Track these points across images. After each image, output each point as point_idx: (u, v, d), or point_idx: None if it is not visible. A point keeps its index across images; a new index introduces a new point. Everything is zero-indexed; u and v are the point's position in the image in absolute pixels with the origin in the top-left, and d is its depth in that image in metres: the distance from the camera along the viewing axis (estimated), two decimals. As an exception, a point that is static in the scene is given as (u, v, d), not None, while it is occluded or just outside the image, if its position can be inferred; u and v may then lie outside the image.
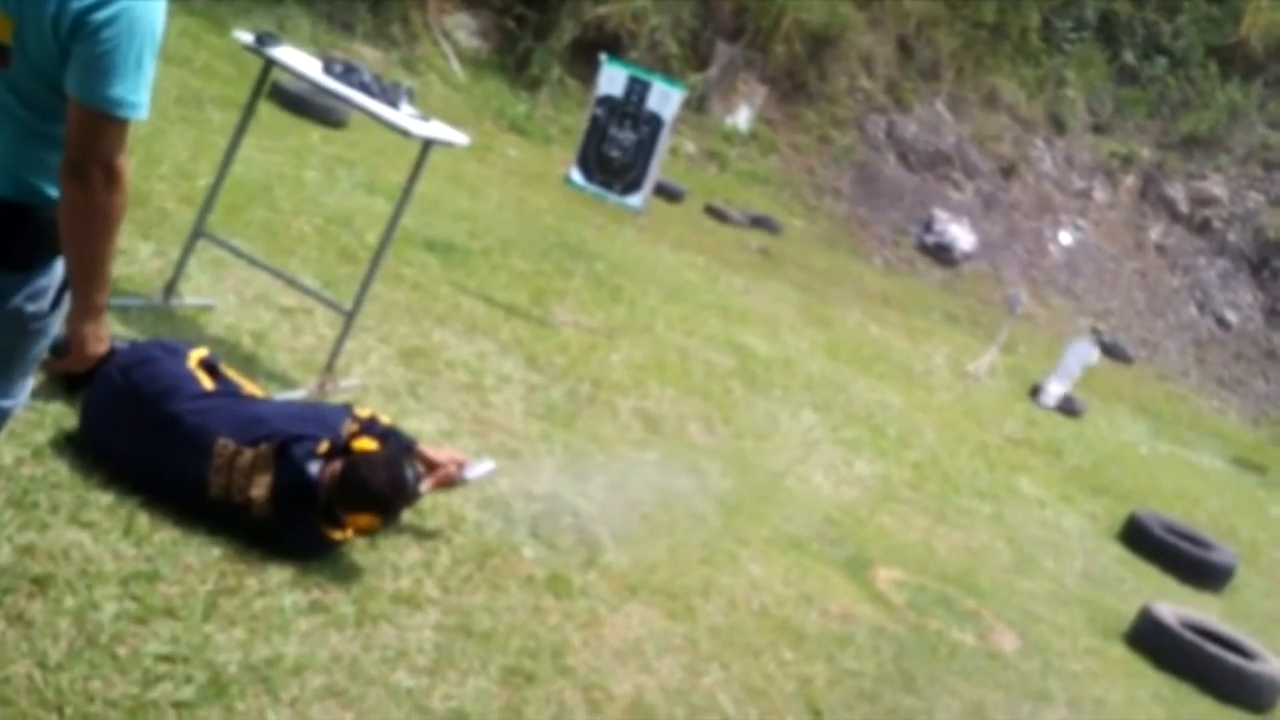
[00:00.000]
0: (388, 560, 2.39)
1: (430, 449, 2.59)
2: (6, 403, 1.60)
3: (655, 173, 5.04)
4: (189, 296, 3.19)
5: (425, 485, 2.45)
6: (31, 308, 1.47)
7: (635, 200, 5.03)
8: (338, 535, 2.30)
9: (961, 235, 10.36)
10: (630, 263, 6.06)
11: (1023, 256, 10.88)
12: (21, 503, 2.06)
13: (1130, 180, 11.97)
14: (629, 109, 4.90)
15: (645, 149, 4.90)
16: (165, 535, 2.15)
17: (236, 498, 2.21)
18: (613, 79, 4.91)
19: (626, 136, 4.92)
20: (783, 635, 2.83)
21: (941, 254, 10.15)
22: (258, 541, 2.22)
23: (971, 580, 3.80)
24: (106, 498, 2.18)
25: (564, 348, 4.30)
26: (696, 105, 9.27)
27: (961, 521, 4.40)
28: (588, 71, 7.06)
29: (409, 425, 2.81)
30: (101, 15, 1.29)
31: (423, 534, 2.55)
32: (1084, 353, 7.54)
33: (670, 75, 7.77)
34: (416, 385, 3.34)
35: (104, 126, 1.33)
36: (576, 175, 5.01)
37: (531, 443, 3.32)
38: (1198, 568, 4.92)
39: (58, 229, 1.43)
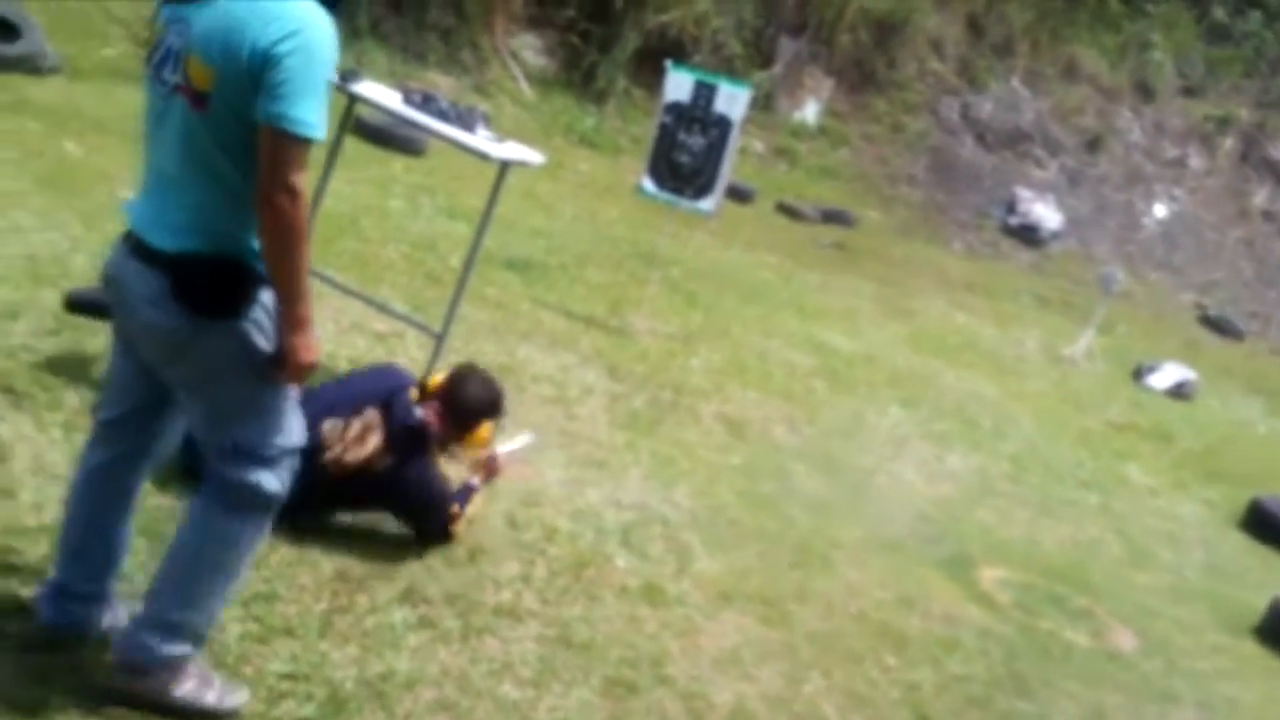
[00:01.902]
0: (487, 575, 2.46)
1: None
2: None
3: (726, 175, 5.03)
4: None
5: (476, 481, 2.57)
6: (240, 346, 1.62)
7: (707, 204, 5.03)
8: (457, 521, 2.44)
9: (1047, 214, 9.96)
10: (704, 267, 6.06)
11: (1115, 232, 10.39)
12: (150, 532, 2.20)
13: (1228, 144, 11.29)
14: (697, 113, 4.90)
15: (715, 152, 4.90)
16: (280, 557, 2.27)
17: (352, 463, 2.33)
18: (679, 85, 4.93)
19: (695, 141, 4.93)
20: (884, 640, 2.78)
21: (1027, 235, 9.78)
22: (379, 502, 2.37)
23: (1082, 576, 3.66)
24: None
25: (643, 356, 4.33)
26: (763, 103, 9.19)
27: (1067, 514, 4.23)
28: (653, 80, 7.10)
29: (497, 442, 2.88)
30: (286, 46, 1.50)
31: (519, 547, 2.62)
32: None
33: (735, 76, 7.74)
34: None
35: (287, 146, 1.52)
36: (647, 184, 5.04)
37: (618, 452, 3.36)
38: (1330, 555, 4.59)
39: (249, 275, 1.60)
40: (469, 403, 2.49)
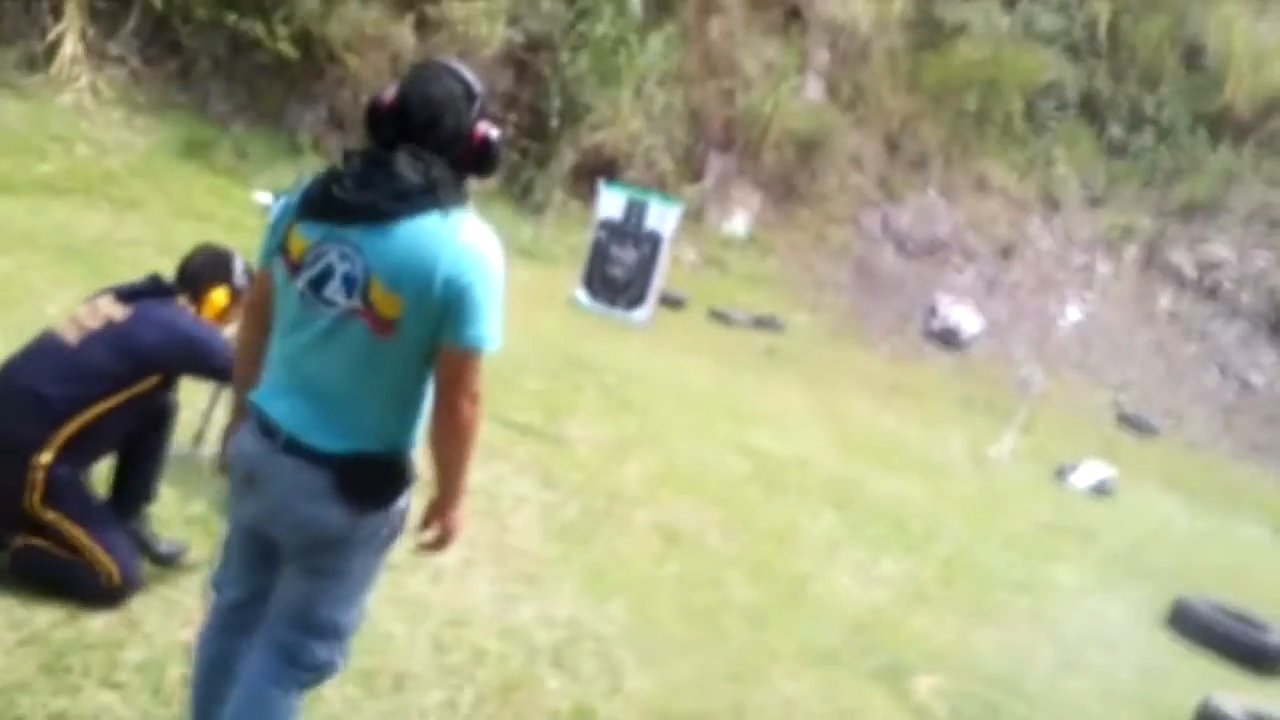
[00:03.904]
0: (413, 704, 2.37)
1: None
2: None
3: (658, 286, 5.19)
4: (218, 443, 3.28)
5: None
6: (385, 531, 1.73)
7: (639, 315, 5.16)
8: None
9: (967, 318, 10.44)
10: (639, 373, 6.15)
11: (1032, 334, 10.91)
12: (54, 668, 2.08)
13: (1132, 250, 12.08)
14: (629, 229, 5.10)
15: (646, 266, 5.07)
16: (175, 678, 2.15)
17: None
18: (611, 203, 5.13)
19: (628, 255, 5.10)
20: (819, 755, 2.73)
21: (949, 339, 10.21)
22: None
23: (1016, 683, 3.67)
24: (136, 655, 2.20)
25: (579, 464, 4.34)
26: (695, 215, 9.59)
27: (999, 618, 4.28)
28: (589, 192, 7.37)
29: (429, 559, 2.82)
30: (469, 277, 1.62)
31: (445, 672, 2.54)
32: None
33: (666, 191, 8.09)
34: (434, 516, 3.36)
35: (472, 361, 1.65)
36: (581, 295, 5.16)
37: (550, 565, 3.31)
38: (1254, 652, 4.70)
39: (408, 467, 1.71)
40: (192, 269, 2.56)
